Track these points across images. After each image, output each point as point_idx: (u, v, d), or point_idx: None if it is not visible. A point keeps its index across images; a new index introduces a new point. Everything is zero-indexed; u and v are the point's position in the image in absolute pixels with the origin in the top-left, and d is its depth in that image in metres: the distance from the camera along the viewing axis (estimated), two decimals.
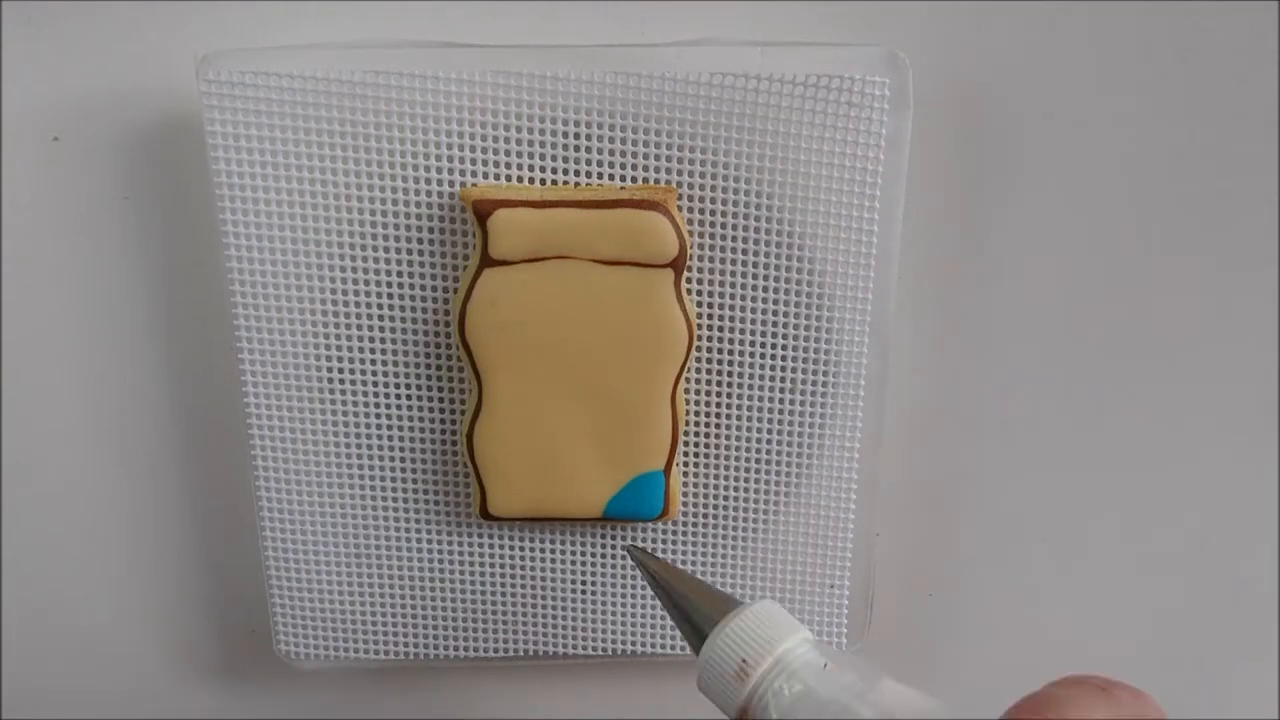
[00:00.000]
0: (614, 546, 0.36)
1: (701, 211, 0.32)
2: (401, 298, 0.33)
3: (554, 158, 0.31)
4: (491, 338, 0.32)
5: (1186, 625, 0.42)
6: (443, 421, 0.34)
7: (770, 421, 0.35)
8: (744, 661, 0.26)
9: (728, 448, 0.35)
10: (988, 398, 0.38)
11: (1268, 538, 0.41)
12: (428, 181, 0.31)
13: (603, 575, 0.36)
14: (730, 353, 0.34)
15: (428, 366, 0.34)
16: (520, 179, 0.32)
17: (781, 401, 0.34)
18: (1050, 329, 0.37)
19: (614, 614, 0.37)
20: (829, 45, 0.31)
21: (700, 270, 0.33)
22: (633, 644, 0.37)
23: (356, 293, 0.33)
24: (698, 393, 0.34)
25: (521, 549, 0.36)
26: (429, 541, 0.36)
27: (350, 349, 0.33)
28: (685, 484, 0.35)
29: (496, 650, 0.37)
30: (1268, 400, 0.38)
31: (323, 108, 0.31)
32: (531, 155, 0.31)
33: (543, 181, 0.32)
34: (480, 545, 0.36)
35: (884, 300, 0.33)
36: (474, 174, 0.31)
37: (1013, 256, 0.36)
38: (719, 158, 0.31)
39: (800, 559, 0.36)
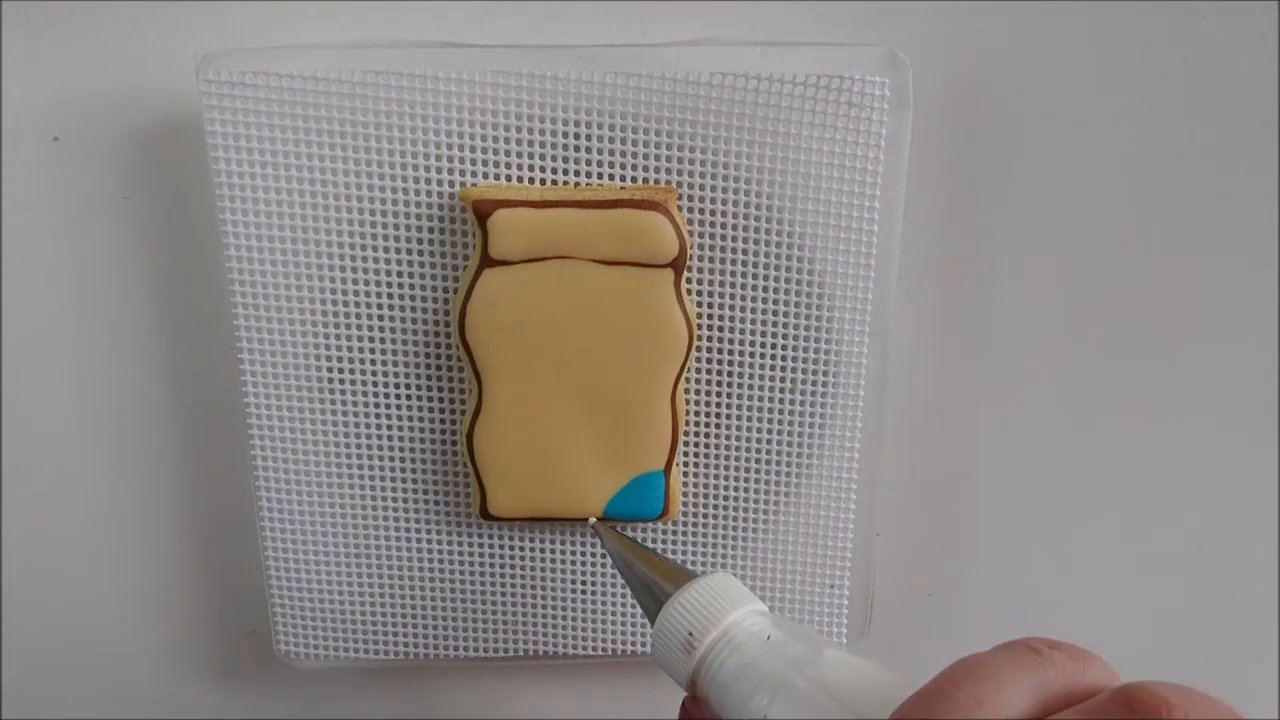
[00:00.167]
0: None
1: (701, 211, 0.32)
2: (401, 298, 0.33)
3: (554, 158, 0.31)
4: (491, 338, 0.32)
5: (1186, 625, 0.42)
6: (443, 421, 0.34)
7: (770, 421, 0.35)
8: (690, 634, 0.26)
9: (728, 448, 0.35)
10: (988, 398, 0.38)
11: (1268, 538, 0.41)
12: (428, 181, 0.31)
13: (603, 575, 0.36)
14: (730, 353, 0.34)
15: (428, 366, 0.34)
16: (520, 179, 0.32)
17: (781, 401, 0.34)
18: (1050, 329, 0.37)
19: (614, 614, 0.37)
20: (829, 45, 0.31)
21: (700, 270, 0.33)
22: (633, 644, 0.37)
23: (356, 293, 0.33)
24: (698, 393, 0.34)
25: (521, 549, 0.36)
26: (429, 541, 0.36)
27: (350, 349, 0.33)
28: (685, 484, 0.35)
29: (496, 650, 0.37)
30: (1268, 400, 0.38)
31: (323, 108, 0.31)
32: (531, 155, 0.31)
33: (543, 181, 0.32)
34: (480, 545, 0.36)
35: (884, 300, 0.33)
36: (474, 174, 0.31)
37: (1013, 256, 0.36)
38: (719, 158, 0.31)
39: (800, 559, 0.36)
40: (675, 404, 0.33)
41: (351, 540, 0.36)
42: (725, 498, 0.36)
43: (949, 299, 0.37)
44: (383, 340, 0.33)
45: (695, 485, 0.35)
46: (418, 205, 0.32)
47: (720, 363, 0.34)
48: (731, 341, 0.34)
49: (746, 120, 0.31)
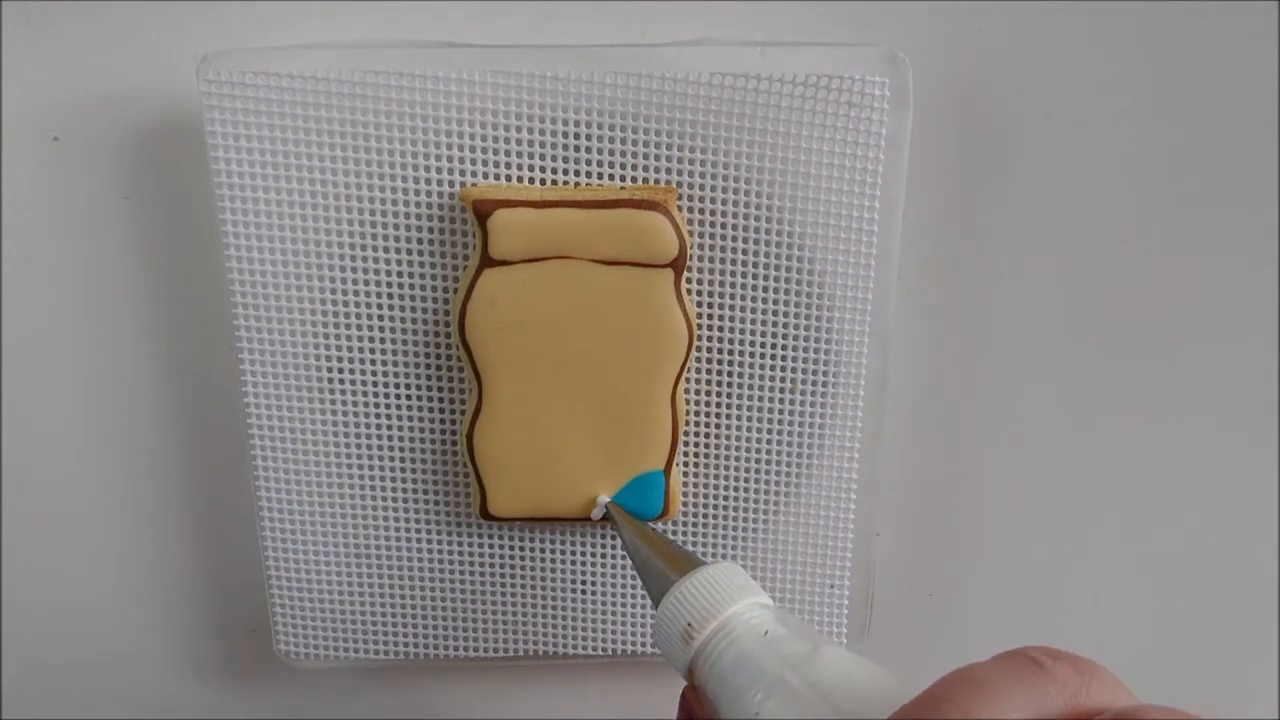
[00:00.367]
0: (614, 547, 0.36)
1: (701, 211, 0.32)
2: (401, 298, 0.33)
3: (554, 158, 0.31)
4: (491, 338, 0.32)
5: (1186, 625, 0.42)
6: (443, 421, 0.34)
7: (770, 421, 0.35)
8: (689, 625, 0.26)
9: (728, 448, 0.35)
10: (988, 398, 0.38)
11: (1268, 538, 0.41)
12: (428, 181, 0.31)
13: (602, 575, 0.36)
14: (730, 353, 0.34)
15: (428, 366, 0.34)
16: (520, 179, 0.32)
17: (781, 401, 0.34)
18: (1050, 329, 0.37)
19: (614, 614, 0.37)
20: (829, 45, 0.31)
21: (700, 270, 0.33)
22: (632, 644, 0.37)
23: (356, 293, 0.33)
24: (698, 393, 0.34)
25: (521, 549, 0.36)
26: (429, 541, 0.36)
27: (350, 349, 0.33)
28: (685, 484, 0.35)
29: (496, 650, 0.37)
30: (1268, 400, 0.38)
31: (323, 108, 0.31)
32: (531, 155, 0.31)
33: (543, 181, 0.32)
34: (480, 545, 0.36)
35: (884, 300, 0.33)
36: (474, 174, 0.31)
37: (1013, 256, 0.36)
38: (719, 158, 0.31)
39: (800, 559, 0.36)
40: (675, 404, 0.33)
41: (351, 540, 0.36)
42: (725, 498, 0.36)
43: (949, 299, 0.37)
44: (383, 340, 0.33)
45: (695, 485, 0.35)
46: (418, 205, 0.32)
47: (720, 363, 0.34)
48: (731, 341, 0.34)
49: (746, 120, 0.31)
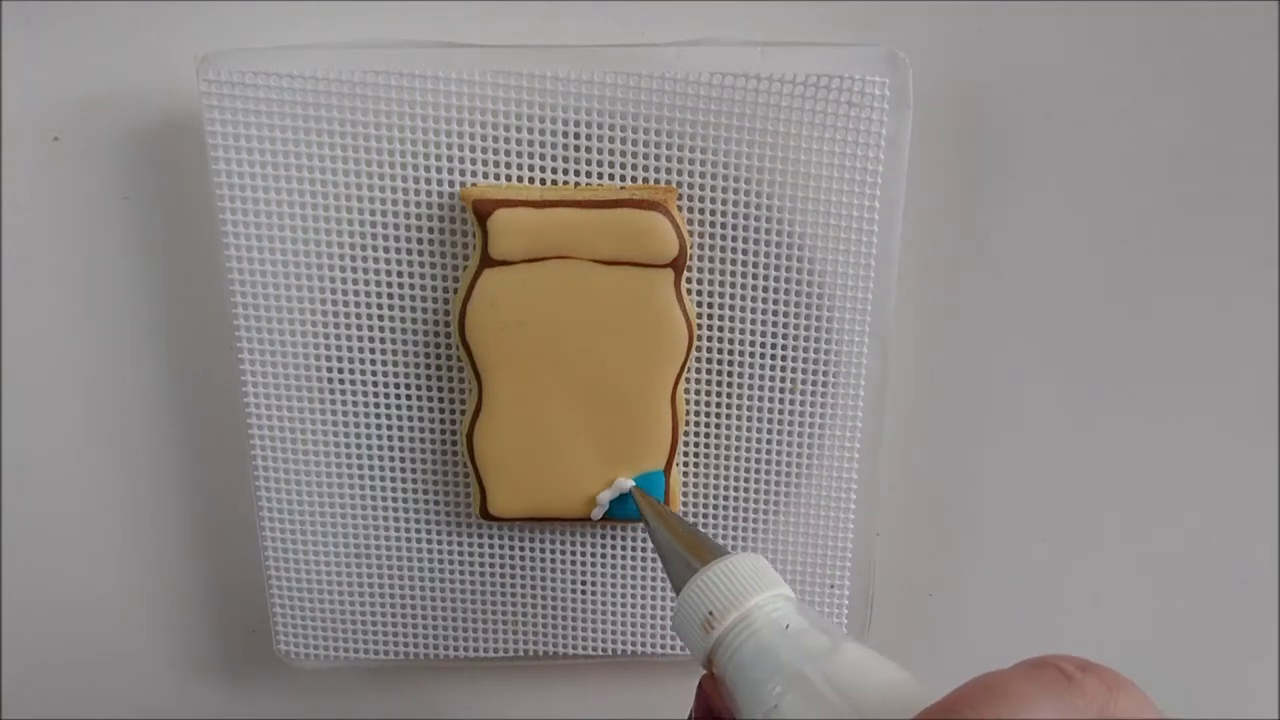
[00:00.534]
0: (614, 547, 0.36)
1: (701, 211, 0.32)
2: (401, 298, 0.33)
3: (554, 158, 0.31)
4: (491, 338, 0.32)
5: (1186, 625, 0.42)
6: (443, 421, 0.34)
7: (770, 421, 0.35)
8: (710, 613, 0.26)
9: (728, 448, 0.35)
10: (988, 398, 0.38)
11: (1268, 538, 0.41)
12: (428, 181, 0.31)
13: (602, 575, 0.36)
14: (730, 353, 0.34)
15: (428, 366, 0.34)
16: (520, 179, 0.32)
17: (781, 401, 0.34)
18: (1050, 329, 0.37)
19: (614, 614, 0.37)
20: (829, 45, 0.31)
21: (700, 270, 0.33)
22: (632, 644, 0.37)
23: (356, 293, 0.33)
24: (698, 393, 0.34)
25: (521, 549, 0.36)
26: (429, 541, 0.36)
27: (350, 349, 0.33)
28: (685, 484, 0.35)
29: (496, 650, 0.37)
30: (1268, 400, 0.38)
31: (323, 108, 0.31)
32: (531, 155, 0.31)
33: (543, 181, 0.32)
34: (480, 545, 0.36)
35: (884, 300, 0.33)
36: (474, 174, 0.31)
37: (1013, 256, 0.36)
38: (719, 158, 0.31)
39: (800, 559, 0.36)
40: (675, 404, 0.33)
41: (351, 540, 0.36)
42: (725, 498, 0.36)
43: (949, 299, 0.37)
44: (383, 340, 0.33)
45: (695, 485, 0.35)
46: (418, 205, 0.32)
47: (720, 363, 0.34)
48: (731, 341, 0.34)
49: (746, 120, 0.31)
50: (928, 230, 0.35)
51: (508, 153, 0.31)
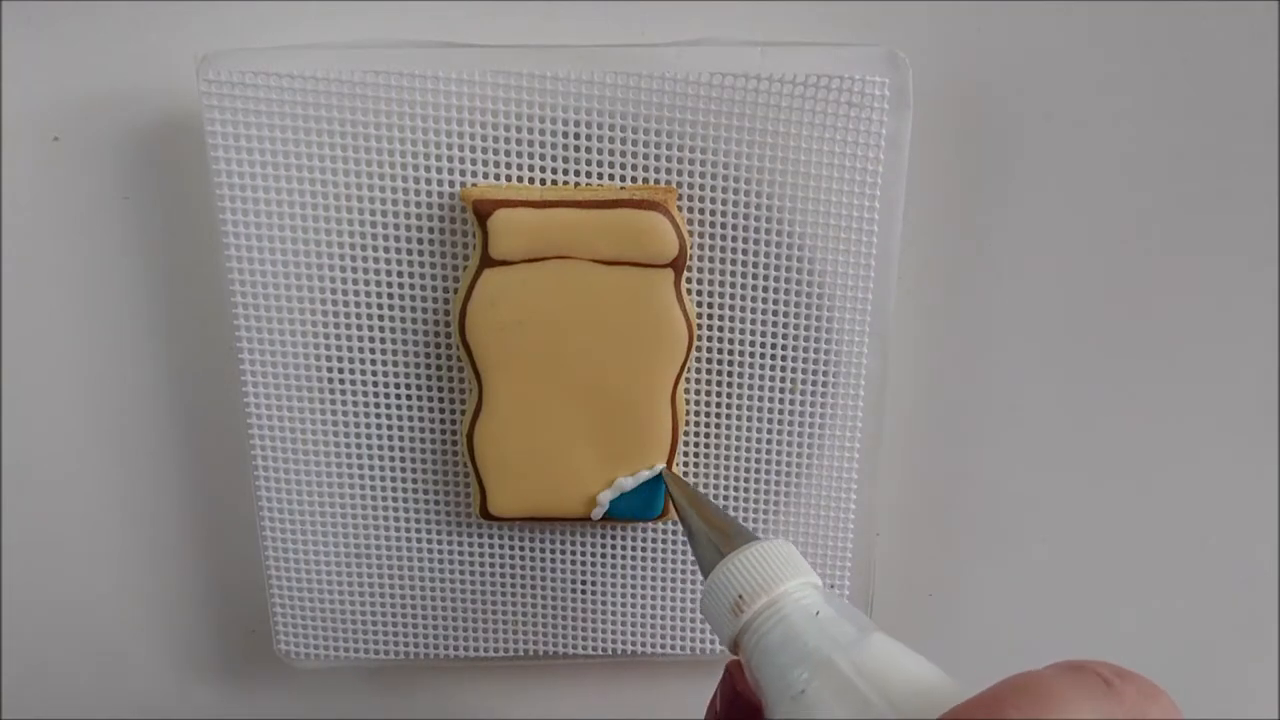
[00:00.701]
0: (614, 547, 0.36)
1: (701, 211, 0.32)
2: (401, 298, 0.33)
3: (554, 158, 0.31)
4: (491, 338, 0.32)
5: (1186, 625, 0.42)
6: (443, 421, 0.34)
7: (770, 421, 0.35)
8: (740, 597, 0.26)
9: (728, 448, 0.35)
10: (988, 398, 0.38)
11: (1268, 538, 0.41)
12: (428, 181, 0.31)
13: (603, 575, 0.36)
14: (730, 353, 0.34)
15: (428, 366, 0.34)
16: (520, 179, 0.32)
17: (781, 401, 0.34)
18: (1050, 329, 0.37)
19: (614, 614, 0.37)
20: (829, 45, 0.31)
21: (700, 270, 0.33)
22: (633, 644, 0.37)
23: (356, 293, 0.33)
24: (698, 393, 0.34)
25: (521, 549, 0.36)
26: (429, 541, 0.36)
27: (350, 349, 0.33)
28: None
29: (496, 650, 0.37)
30: (1268, 400, 0.38)
31: (323, 108, 0.31)
32: (531, 155, 0.31)
33: (543, 181, 0.32)
34: (480, 545, 0.36)
35: (884, 300, 0.33)
36: (474, 174, 0.31)
37: (1013, 256, 0.36)
38: (719, 158, 0.31)
39: None
40: (675, 404, 0.33)
41: (351, 540, 0.36)
42: (725, 497, 0.36)
43: (949, 299, 0.37)
44: (383, 340, 0.33)
45: (695, 485, 0.35)
46: (418, 205, 0.32)
47: (720, 363, 0.34)
48: (731, 341, 0.34)
49: (746, 120, 0.31)
50: (928, 230, 0.35)
51: (508, 153, 0.31)
